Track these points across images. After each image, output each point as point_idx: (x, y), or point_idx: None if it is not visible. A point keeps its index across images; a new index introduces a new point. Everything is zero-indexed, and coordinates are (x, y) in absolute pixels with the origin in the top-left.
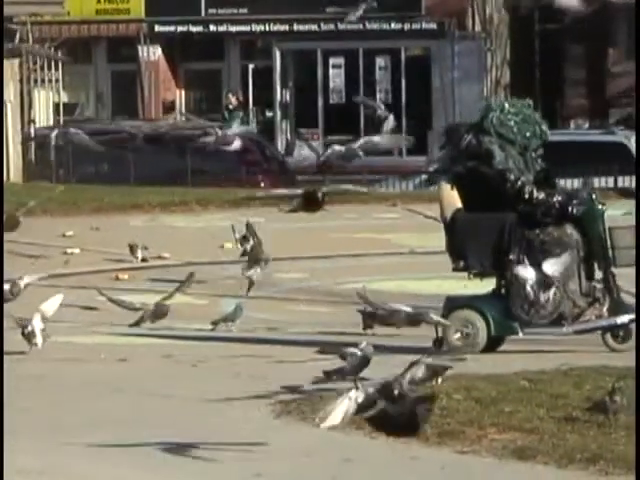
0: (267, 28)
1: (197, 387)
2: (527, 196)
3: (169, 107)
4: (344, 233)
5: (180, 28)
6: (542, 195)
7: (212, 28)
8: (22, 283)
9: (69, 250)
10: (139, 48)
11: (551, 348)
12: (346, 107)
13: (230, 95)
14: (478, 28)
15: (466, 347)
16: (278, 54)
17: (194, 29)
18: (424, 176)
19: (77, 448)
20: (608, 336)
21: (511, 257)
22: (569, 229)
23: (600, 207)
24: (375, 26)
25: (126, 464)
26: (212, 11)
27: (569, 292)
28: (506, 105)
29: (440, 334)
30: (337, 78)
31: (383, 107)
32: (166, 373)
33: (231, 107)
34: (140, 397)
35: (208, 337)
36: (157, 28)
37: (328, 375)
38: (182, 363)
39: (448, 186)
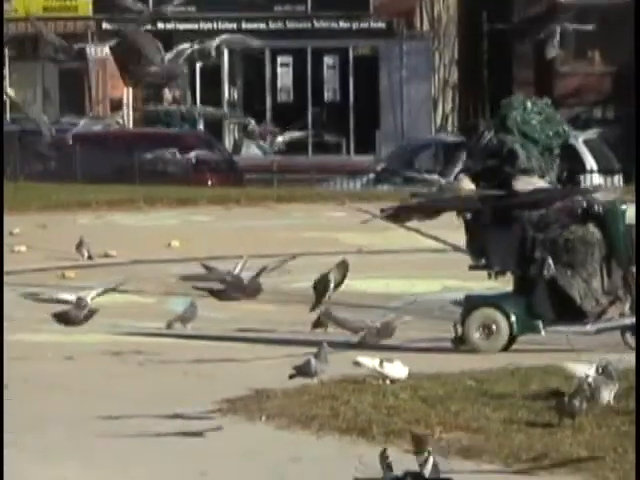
0: (215, 26)
1: (144, 386)
2: None
3: (117, 105)
4: (292, 232)
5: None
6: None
7: (160, 26)
8: (89, 298)
9: (16, 248)
10: (87, 46)
11: None
12: (294, 106)
13: (166, 91)
14: (426, 28)
15: (487, 346)
16: (226, 52)
17: (142, 27)
18: (372, 175)
19: (25, 448)
20: (628, 335)
21: (535, 255)
22: (591, 228)
23: (621, 206)
24: (323, 25)
25: (73, 463)
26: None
27: (592, 290)
28: (528, 103)
29: (460, 332)
30: (285, 77)
31: (253, 122)
32: (113, 372)
33: (166, 104)
34: (86, 396)
35: (155, 335)
36: (105, 26)
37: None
38: (129, 362)
39: (469, 182)
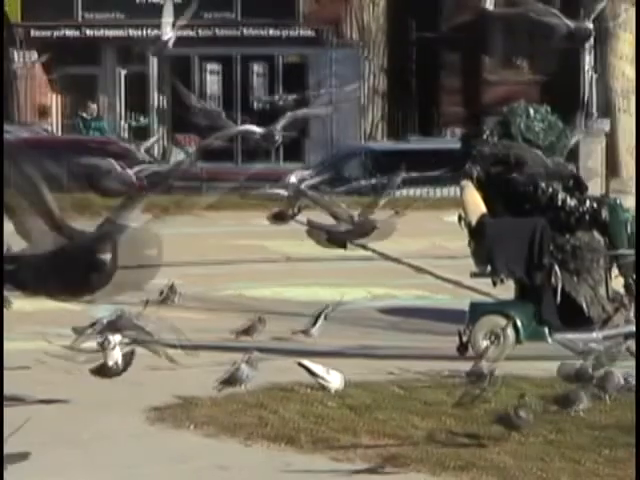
0: (144, 33)
1: (71, 393)
2: (560, 203)
3: (44, 112)
4: (220, 239)
5: (56, 33)
6: (574, 202)
7: (88, 33)
8: (112, 338)
9: None
10: (15, 52)
11: (424, 353)
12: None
13: (90, 103)
14: (355, 36)
15: (494, 353)
16: (154, 60)
17: (70, 34)
18: None
19: None
20: (630, 341)
21: (544, 262)
22: (596, 234)
23: (625, 213)
24: (252, 32)
25: None
26: (88, 16)
27: (599, 297)
28: (531, 110)
29: (465, 339)
30: (214, 84)
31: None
32: (40, 379)
33: (87, 116)
34: (13, 403)
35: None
36: (33, 33)
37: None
38: (56, 369)
39: (473, 189)
